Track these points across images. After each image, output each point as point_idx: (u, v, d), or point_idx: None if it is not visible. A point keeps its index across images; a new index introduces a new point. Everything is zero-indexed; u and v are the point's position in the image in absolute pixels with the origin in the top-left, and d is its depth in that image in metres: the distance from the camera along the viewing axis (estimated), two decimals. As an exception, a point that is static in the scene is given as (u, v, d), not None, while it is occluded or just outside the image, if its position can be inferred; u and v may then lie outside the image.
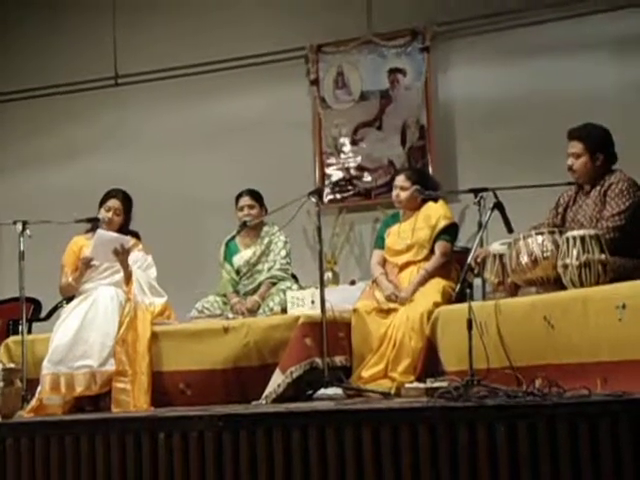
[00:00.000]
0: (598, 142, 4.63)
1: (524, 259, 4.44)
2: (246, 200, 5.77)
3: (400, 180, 5.42)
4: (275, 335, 4.95)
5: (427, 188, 5.31)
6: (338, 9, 7.08)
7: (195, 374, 5.03)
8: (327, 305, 4.80)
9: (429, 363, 4.83)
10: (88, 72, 7.67)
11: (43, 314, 6.72)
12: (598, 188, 4.60)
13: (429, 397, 4.10)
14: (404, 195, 5.38)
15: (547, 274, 4.40)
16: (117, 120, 7.63)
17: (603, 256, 4.23)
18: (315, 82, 7.15)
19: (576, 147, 4.65)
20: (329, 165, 7.12)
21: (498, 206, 4.49)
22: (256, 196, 5.79)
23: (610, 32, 6.48)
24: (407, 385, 4.60)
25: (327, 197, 7.04)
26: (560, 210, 4.79)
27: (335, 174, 7.10)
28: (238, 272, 5.75)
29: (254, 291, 5.64)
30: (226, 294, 5.70)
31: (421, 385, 4.49)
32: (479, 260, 4.68)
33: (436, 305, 4.89)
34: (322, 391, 4.90)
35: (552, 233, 4.46)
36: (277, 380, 4.79)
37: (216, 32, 7.38)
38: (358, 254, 6.97)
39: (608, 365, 3.86)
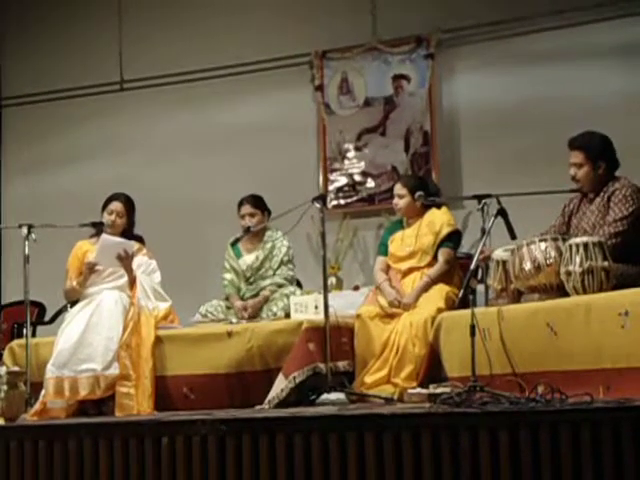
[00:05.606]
0: (599, 150, 4.65)
1: (527, 266, 4.45)
2: (247, 209, 5.73)
3: (397, 188, 5.43)
4: (278, 340, 4.96)
5: (426, 194, 5.31)
6: (343, 15, 7.10)
7: (198, 378, 5.04)
8: (330, 310, 4.82)
9: (432, 369, 4.84)
10: (94, 77, 7.69)
11: (47, 318, 6.75)
12: (602, 195, 4.62)
13: (432, 403, 4.09)
14: (401, 203, 5.39)
15: (550, 281, 4.40)
16: (122, 125, 7.64)
17: (606, 263, 4.24)
18: (319, 88, 7.16)
19: (577, 157, 4.67)
20: (333, 171, 7.12)
21: (501, 212, 4.49)
22: (257, 202, 5.76)
23: (615, 40, 6.47)
24: (410, 391, 4.60)
25: (331, 203, 7.04)
26: (566, 218, 4.81)
27: (339, 180, 7.11)
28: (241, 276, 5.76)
29: (256, 296, 5.65)
30: (229, 298, 5.71)
31: (424, 391, 4.50)
32: (482, 257, 4.64)
33: (439, 311, 4.90)
34: (325, 396, 4.91)
35: (555, 240, 4.47)
36: (280, 385, 4.80)
37: (221, 38, 7.40)
38: (362, 260, 6.97)
39: (611, 372, 3.87)
